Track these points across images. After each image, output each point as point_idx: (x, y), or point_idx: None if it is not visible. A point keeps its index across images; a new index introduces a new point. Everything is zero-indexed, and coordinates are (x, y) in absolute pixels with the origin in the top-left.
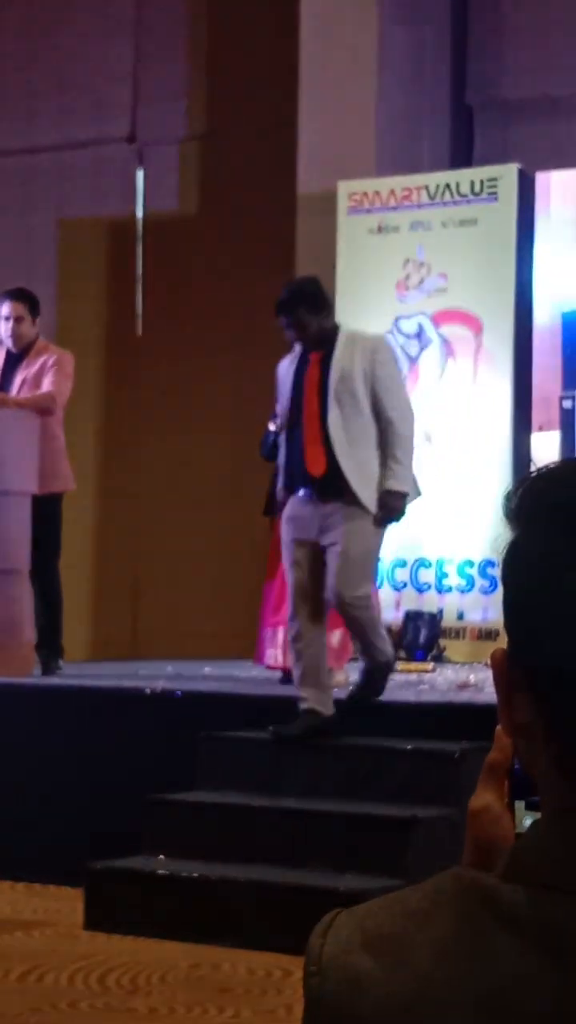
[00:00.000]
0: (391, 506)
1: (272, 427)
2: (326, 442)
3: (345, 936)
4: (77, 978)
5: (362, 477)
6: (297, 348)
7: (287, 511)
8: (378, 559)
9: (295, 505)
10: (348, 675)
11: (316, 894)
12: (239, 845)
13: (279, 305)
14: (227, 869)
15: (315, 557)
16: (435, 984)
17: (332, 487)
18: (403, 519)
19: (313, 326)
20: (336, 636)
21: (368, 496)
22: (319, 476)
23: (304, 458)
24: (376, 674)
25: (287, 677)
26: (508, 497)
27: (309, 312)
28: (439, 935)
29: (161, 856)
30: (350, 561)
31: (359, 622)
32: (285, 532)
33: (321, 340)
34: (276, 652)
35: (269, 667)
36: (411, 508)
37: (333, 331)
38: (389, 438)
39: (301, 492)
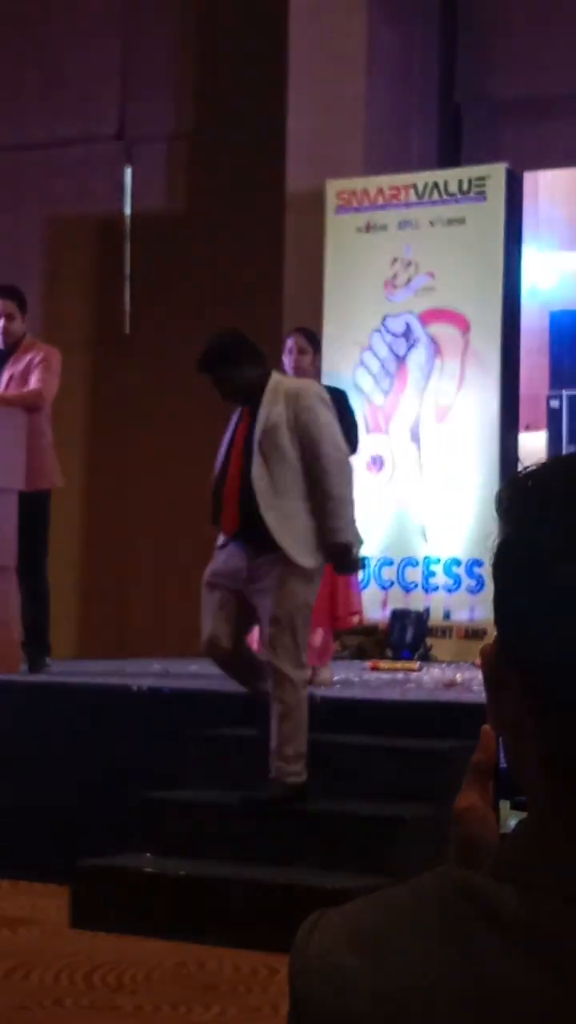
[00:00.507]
0: (341, 560)
1: None
2: (246, 498)
3: (331, 935)
4: (63, 976)
5: (289, 530)
6: None
7: (216, 556)
8: (309, 610)
9: (225, 553)
10: (333, 673)
11: (302, 892)
12: (226, 843)
13: (197, 364)
14: (213, 867)
15: (238, 604)
16: (420, 982)
17: (257, 541)
18: (358, 568)
19: (235, 380)
20: (318, 635)
21: (298, 549)
22: (235, 532)
23: (222, 516)
24: (276, 798)
25: None
26: (499, 495)
27: (227, 367)
28: (424, 934)
29: (148, 854)
30: (281, 628)
31: (284, 706)
32: (208, 572)
33: (247, 393)
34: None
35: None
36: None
37: (260, 382)
38: (323, 487)
39: (231, 545)
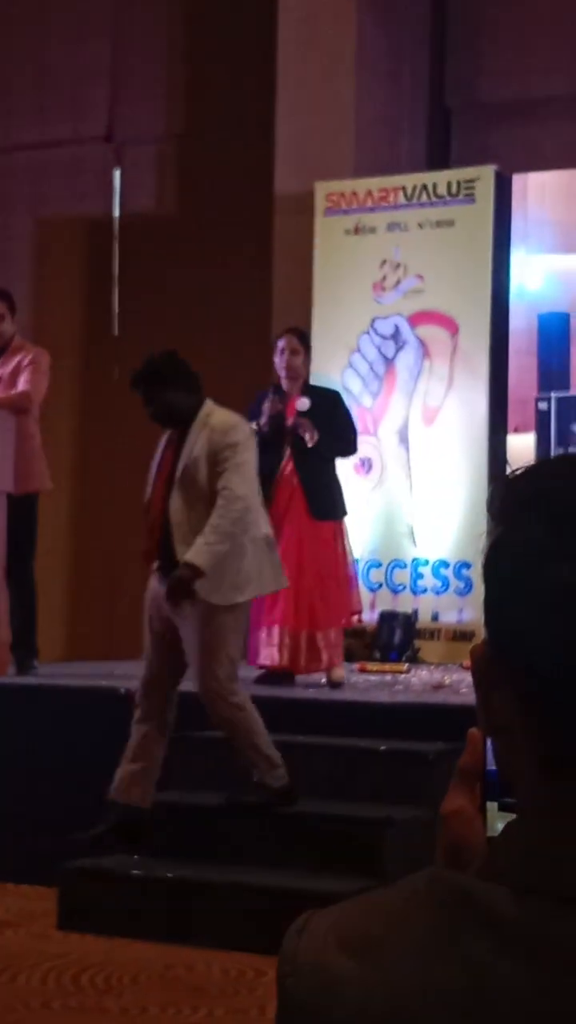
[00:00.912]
0: (177, 578)
1: (255, 426)
2: (165, 530)
3: (320, 937)
4: (50, 978)
5: (213, 575)
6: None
7: (151, 584)
8: (233, 640)
9: (154, 580)
10: (344, 672)
11: (291, 895)
12: (213, 846)
13: (130, 380)
14: (201, 869)
15: (172, 634)
16: (410, 984)
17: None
18: (185, 595)
19: (162, 402)
20: (331, 634)
21: (209, 587)
22: (156, 563)
23: (143, 546)
24: (263, 802)
25: (271, 676)
26: (490, 497)
27: (156, 387)
28: (414, 935)
29: (135, 856)
30: (204, 653)
31: (229, 724)
32: (146, 604)
33: (175, 418)
34: (272, 651)
35: (262, 666)
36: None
37: (190, 409)
38: (213, 515)
39: (155, 574)
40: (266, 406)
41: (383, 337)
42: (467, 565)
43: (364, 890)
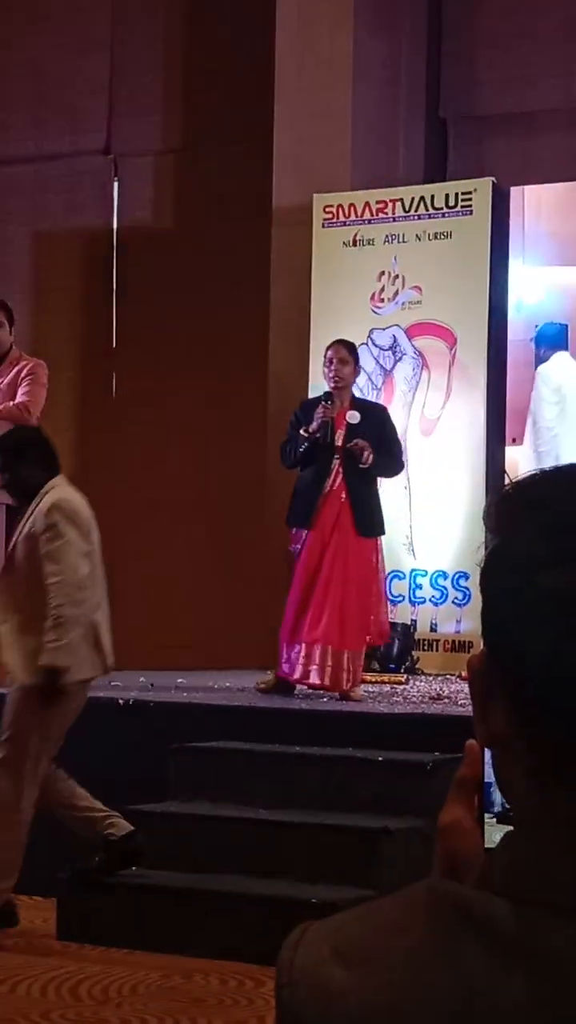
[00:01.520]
0: (44, 684)
1: (304, 432)
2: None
3: (317, 947)
4: (49, 989)
5: (18, 646)
6: None
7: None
8: (43, 732)
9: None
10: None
11: (288, 905)
12: (211, 856)
13: None
14: (199, 880)
15: None
16: (407, 995)
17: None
18: (54, 697)
19: (14, 475)
20: (345, 657)
21: (23, 666)
22: None
23: None
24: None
25: (283, 686)
26: (486, 507)
27: (12, 460)
28: (411, 946)
29: (133, 867)
30: (7, 744)
31: None
32: None
33: (21, 492)
34: (313, 670)
35: (298, 682)
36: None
37: (36, 487)
38: (49, 605)
39: None
40: (319, 411)
41: (381, 348)
42: (465, 576)
43: (361, 900)
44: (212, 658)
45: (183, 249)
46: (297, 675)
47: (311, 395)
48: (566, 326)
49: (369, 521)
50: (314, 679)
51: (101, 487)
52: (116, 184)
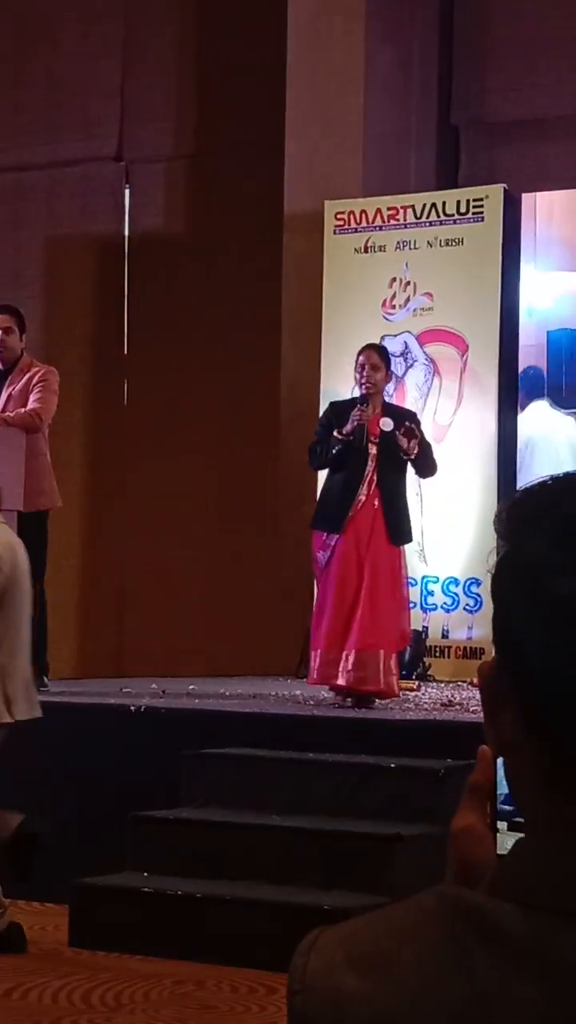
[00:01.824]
0: None
1: (338, 434)
2: None
3: (329, 954)
4: (62, 995)
5: None
6: None
7: None
8: None
9: None
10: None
11: (300, 911)
12: (223, 862)
13: None
14: (211, 886)
15: None
16: (419, 1002)
17: None
18: None
19: None
20: (393, 659)
21: None
22: None
23: None
24: None
25: (344, 695)
26: (498, 514)
27: None
28: (423, 952)
29: (145, 873)
30: None
31: None
32: None
33: None
34: (349, 675)
35: (335, 688)
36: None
37: None
38: None
39: None
40: (356, 413)
41: (393, 355)
42: (477, 582)
43: (374, 906)
44: (224, 664)
45: (195, 255)
46: (347, 681)
47: (322, 403)
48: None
49: (400, 529)
50: (372, 685)
51: (112, 493)
52: (128, 190)
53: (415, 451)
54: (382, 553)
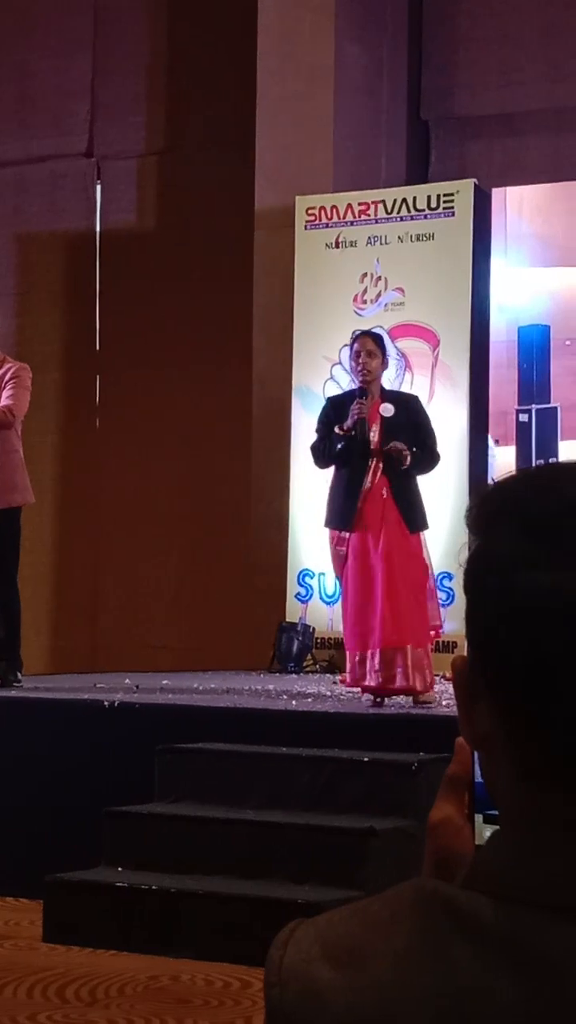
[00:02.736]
0: None
1: (339, 430)
2: None
3: (305, 947)
4: (36, 991)
5: None
6: None
7: None
8: None
9: None
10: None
11: (275, 905)
12: (198, 857)
13: None
14: (186, 881)
15: None
16: (396, 994)
17: None
18: None
19: None
20: (422, 653)
21: None
22: None
23: None
24: None
25: (376, 695)
26: (469, 509)
27: None
28: (400, 945)
29: (120, 868)
30: None
31: None
32: None
33: None
34: (375, 675)
35: (367, 689)
36: None
37: None
38: None
39: None
40: (354, 408)
41: None
42: (449, 576)
43: (348, 900)
44: (197, 659)
45: (166, 251)
46: (376, 682)
47: (294, 398)
48: (547, 328)
49: (414, 516)
50: (400, 683)
51: (85, 489)
52: (99, 187)
53: (407, 463)
54: (396, 543)
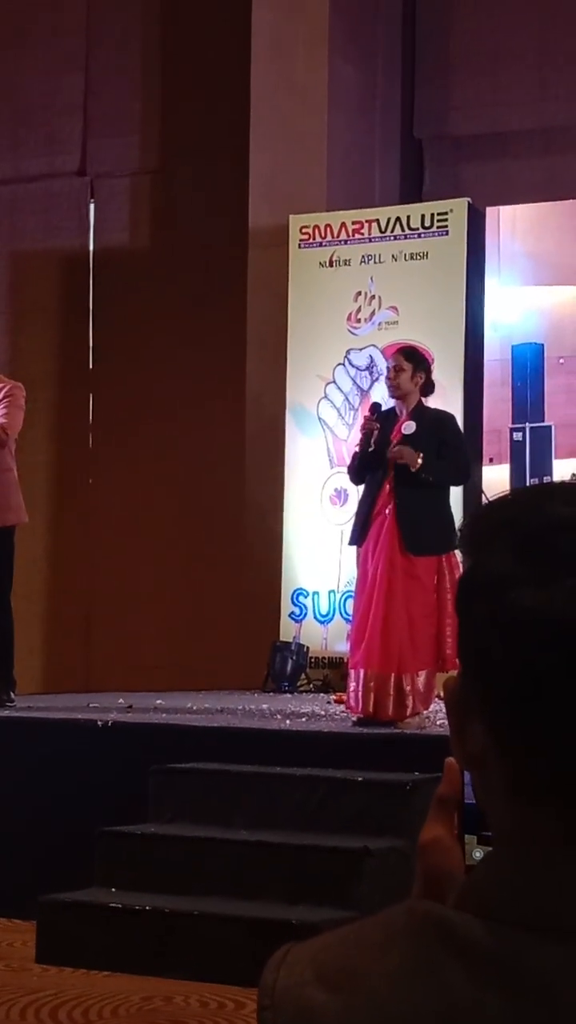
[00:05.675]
0: None
1: (356, 448)
2: None
3: (299, 969)
4: (29, 1012)
5: None
6: None
7: None
8: None
9: None
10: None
11: (268, 926)
12: (191, 877)
13: None
14: (179, 901)
15: None
16: (389, 1017)
17: None
18: None
19: None
20: (422, 677)
21: None
22: None
23: None
24: None
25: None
26: (460, 528)
27: None
28: (393, 967)
29: (113, 889)
30: None
31: None
32: None
33: None
34: (357, 697)
35: (349, 709)
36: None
37: None
38: None
39: None
40: (362, 424)
41: (358, 369)
42: None
43: (341, 921)
44: (191, 679)
45: (159, 270)
46: (354, 703)
47: (288, 416)
48: (541, 346)
49: (420, 537)
50: (371, 709)
51: (77, 508)
52: (92, 205)
53: (418, 465)
54: (397, 564)
